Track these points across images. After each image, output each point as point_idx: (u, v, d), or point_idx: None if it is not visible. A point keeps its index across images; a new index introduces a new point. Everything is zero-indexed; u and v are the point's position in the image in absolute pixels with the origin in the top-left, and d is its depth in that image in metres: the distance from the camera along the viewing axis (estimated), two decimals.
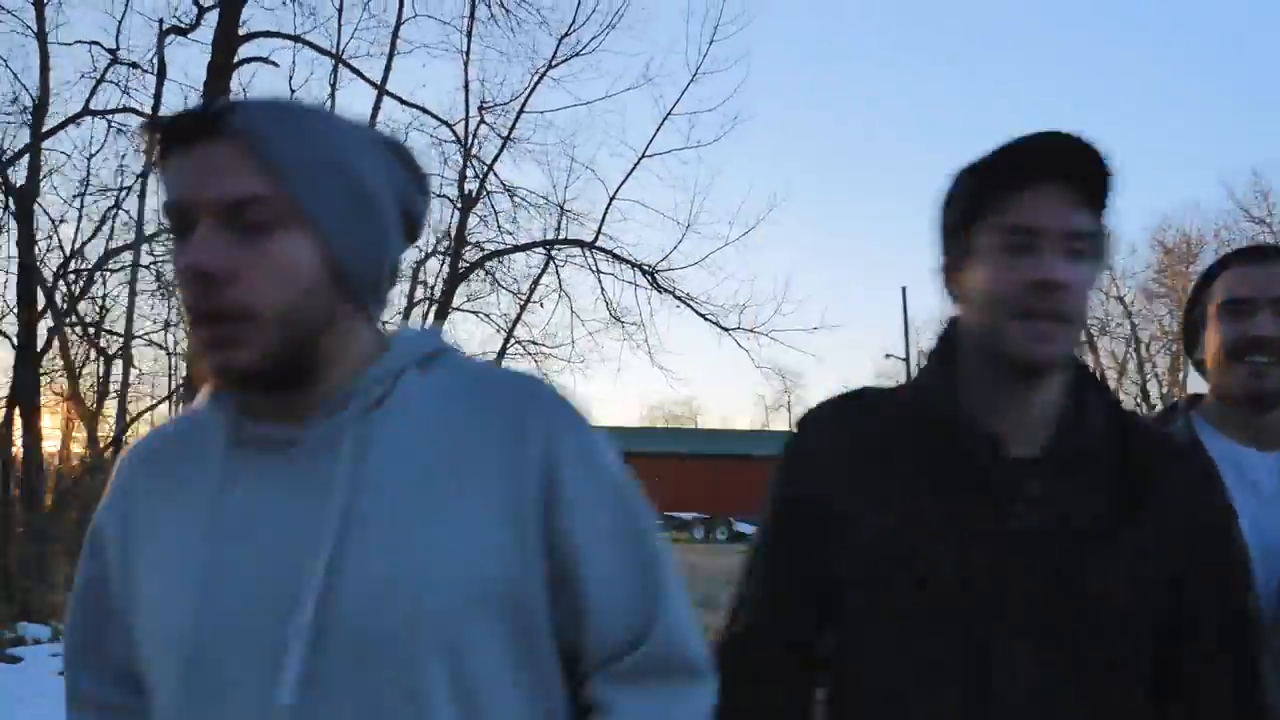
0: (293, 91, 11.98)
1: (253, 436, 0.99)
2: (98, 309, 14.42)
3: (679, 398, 57.17)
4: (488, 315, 14.32)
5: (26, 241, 11.73)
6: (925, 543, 1.17)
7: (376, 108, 12.53)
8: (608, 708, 1.01)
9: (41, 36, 12.84)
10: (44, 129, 12.08)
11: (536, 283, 13.94)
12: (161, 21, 11.47)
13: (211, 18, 11.56)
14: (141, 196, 11.66)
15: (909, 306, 31.87)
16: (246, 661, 0.93)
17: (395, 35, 12.58)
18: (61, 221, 13.44)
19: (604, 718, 1.01)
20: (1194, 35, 52.67)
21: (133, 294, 11.81)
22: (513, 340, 14.19)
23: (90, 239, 13.85)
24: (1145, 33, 53.82)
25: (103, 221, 13.68)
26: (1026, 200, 1.17)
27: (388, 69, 12.52)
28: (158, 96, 11.44)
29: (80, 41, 12.47)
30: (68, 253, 13.69)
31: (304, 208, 0.93)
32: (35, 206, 11.95)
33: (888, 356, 34.53)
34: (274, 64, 13.54)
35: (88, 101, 11.91)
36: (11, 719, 4.06)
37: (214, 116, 0.91)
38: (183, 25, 11.54)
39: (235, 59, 13.02)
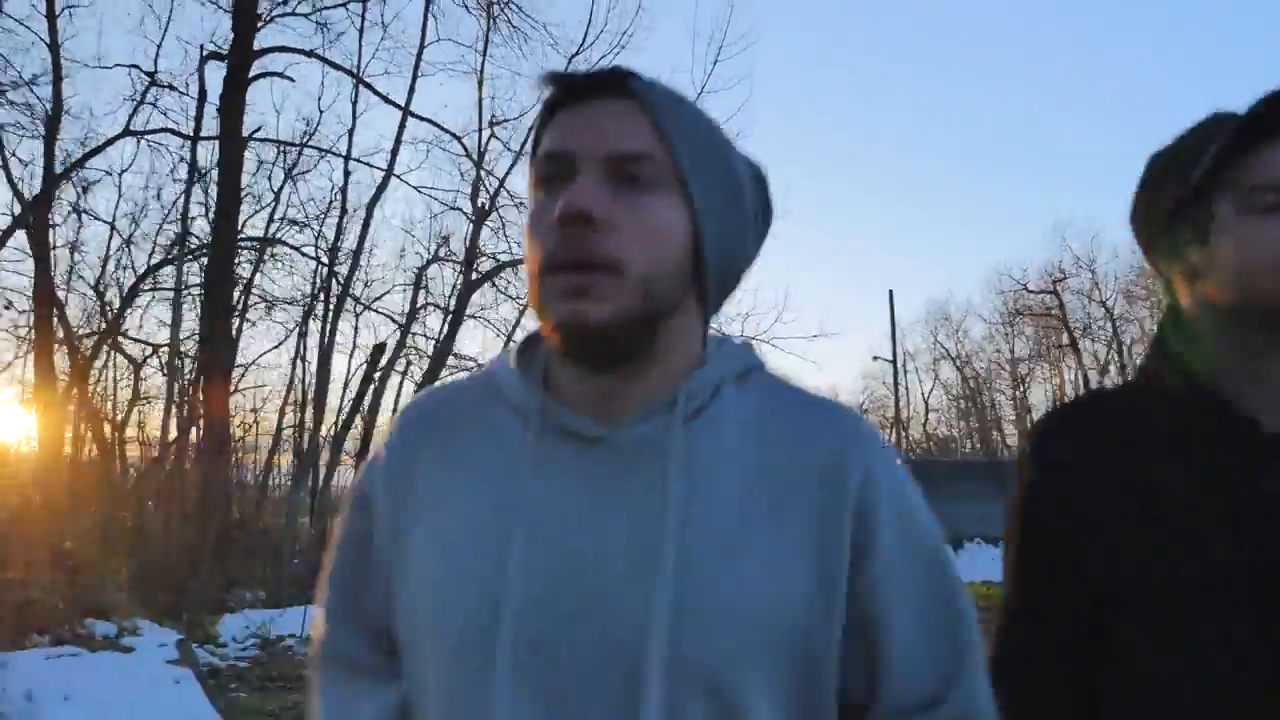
0: (320, 111, 12.42)
1: (561, 424, 0.95)
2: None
3: None
4: (490, 322, 14.87)
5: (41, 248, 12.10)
6: (1206, 538, 1.11)
7: (402, 127, 13.03)
8: None
9: (54, 47, 13.28)
10: (88, 150, 12.48)
11: None
12: (202, 48, 11.95)
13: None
14: (184, 217, 12.11)
15: (895, 309, 32.60)
16: (527, 659, 0.88)
17: (419, 59, 13.08)
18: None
19: None
20: (1190, 37, 53.51)
21: (178, 306, 12.26)
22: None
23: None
24: (1136, 34, 54.63)
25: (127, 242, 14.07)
26: (1271, 157, 1.12)
27: (411, 90, 13.04)
28: (199, 118, 11.94)
29: (119, 65, 12.92)
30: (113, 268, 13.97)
31: (686, 176, 0.92)
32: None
33: (875, 359, 35.27)
34: (289, 79, 14.08)
35: (128, 122, 12.36)
36: (142, 698, 4.58)
37: (616, 77, 0.93)
38: (221, 51, 12.02)
39: (250, 73, 13.57)
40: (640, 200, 0.90)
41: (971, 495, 15.51)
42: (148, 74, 12.22)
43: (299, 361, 17.14)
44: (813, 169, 53.96)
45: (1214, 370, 1.18)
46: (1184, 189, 1.18)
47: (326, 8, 12.76)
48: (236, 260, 12.61)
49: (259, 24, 13.52)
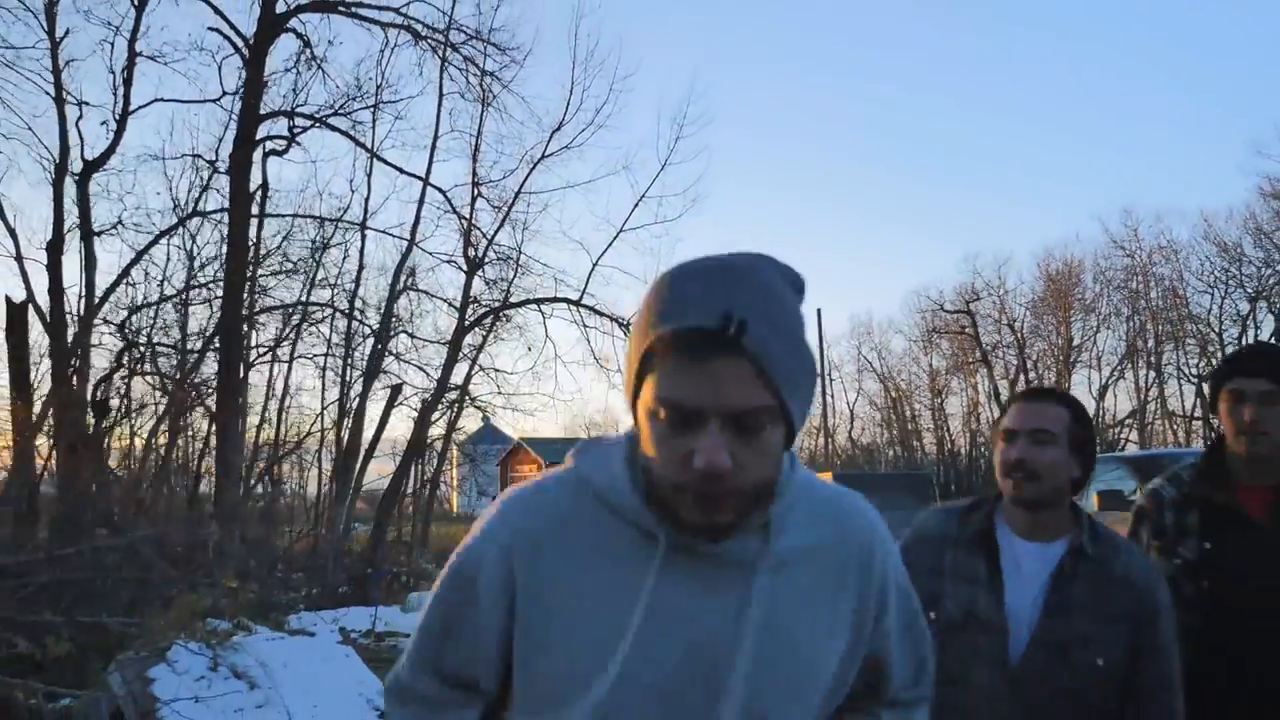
0: (352, 190, 14.11)
1: (682, 543, 1.15)
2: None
3: (598, 408, 60.76)
4: (481, 367, 16.95)
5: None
6: None
7: (423, 196, 15.10)
8: (874, 716, 1.34)
9: (60, 101, 14.80)
10: (159, 233, 14.01)
11: (497, 315, 16.34)
12: (264, 144, 13.82)
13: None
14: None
15: (823, 326, 35.13)
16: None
17: (434, 144, 15.17)
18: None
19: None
20: (1091, 82, 57.44)
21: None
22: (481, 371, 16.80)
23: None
24: (1033, 81, 58.43)
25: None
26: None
27: (429, 168, 15.17)
28: (262, 205, 13.81)
29: (186, 155, 14.49)
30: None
31: (791, 412, 1.08)
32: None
33: None
34: (297, 142, 15.79)
35: (196, 203, 14.00)
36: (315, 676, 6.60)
37: (734, 336, 1.02)
38: (279, 150, 13.93)
39: (257, 135, 15.37)
40: (755, 440, 1.06)
41: (893, 505, 17.93)
42: (209, 162, 14.00)
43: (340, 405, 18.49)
44: (751, 191, 56.97)
45: None
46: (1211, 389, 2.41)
47: (341, 114, 14.69)
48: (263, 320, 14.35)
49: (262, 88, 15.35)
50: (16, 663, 5.65)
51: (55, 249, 13.89)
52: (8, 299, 12.70)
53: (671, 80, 53.43)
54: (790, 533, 1.20)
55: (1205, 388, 4.01)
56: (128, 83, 12.91)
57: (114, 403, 8.51)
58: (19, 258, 13.43)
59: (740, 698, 1.15)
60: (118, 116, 12.93)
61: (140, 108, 13.81)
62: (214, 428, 13.09)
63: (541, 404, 16.52)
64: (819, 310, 36.00)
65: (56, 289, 13.67)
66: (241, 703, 5.98)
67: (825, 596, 1.22)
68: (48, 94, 13.28)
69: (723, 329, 1.03)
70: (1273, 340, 28.36)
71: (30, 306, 12.72)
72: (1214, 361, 36.30)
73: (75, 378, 10.73)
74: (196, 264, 15.62)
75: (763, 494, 1.12)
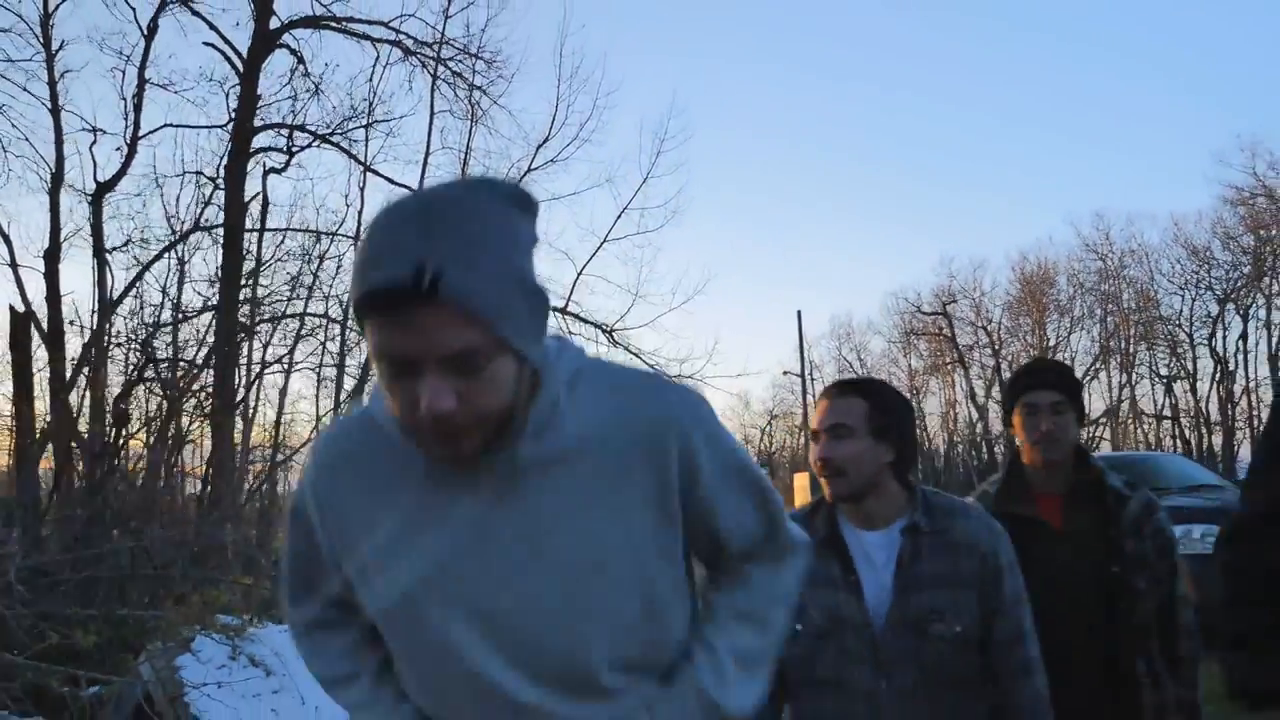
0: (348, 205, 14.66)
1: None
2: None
3: None
4: None
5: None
6: None
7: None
8: (742, 574, 1.41)
9: (55, 112, 15.20)
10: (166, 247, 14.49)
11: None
12: (264, 164, 14.36)
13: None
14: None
15: (803, 326, 35.83)
16: (455, 617, 1.24)
17: (426, 159, 15.72)
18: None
19: (740, 580, 1.41)
20: (1056, 89, 58.34)
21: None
22: None
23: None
24: (1005, 83, 59.30)
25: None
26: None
27: (421, 182, 15.66)
28: (262, 220, 14.32)
29: (188, 172, 14.86)
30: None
31: (509, 342, 1.11)
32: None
33: (785, 373, 38.42)
34: (287, 153, 16.28)
35: (198, 220, 14.48)
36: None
37: (429, 289, 1.04)
38: (278, 168, 14.46)
39: (251, 147, 15.84)
40: (479, 376, 1.10)
41: None
42: (210, 179, 14.49)
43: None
44: (731, 192, 57.60)
45: None
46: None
47: (335, 134, 15.22)
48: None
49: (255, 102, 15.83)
50: (50, 653, 6.15)
51: (52, 258, 14.31)
52: (11, 309, 13.15)
53: (654, 93, 54.89)
54: (561, 429, 1.23)
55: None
56: (138, 108, 13.40)
57: (132, 413, 9.02)
58: (14, 265, 13.92)
59: (515, 589, 1.23)
60: (128, 140, 13.43)
61: (150, 132, 14.35)
62: (213, 435, 13.56)
63: None
64: (799, 312, 36.78)
65: (54, 297, 14.10)
66: (259, 688, 6.50)
67: (606, 485, 1.25)
68: (44, 106, 13.73)
69: (417, 283, 1.04)
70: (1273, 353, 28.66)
71: (31, 316, 13.24)
72: (1184, 362, 37.17)
73: (91, 389, 11.21)
74: (202, 277, 16.09)
75: (504, 418, 1.17)
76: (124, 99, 13.41)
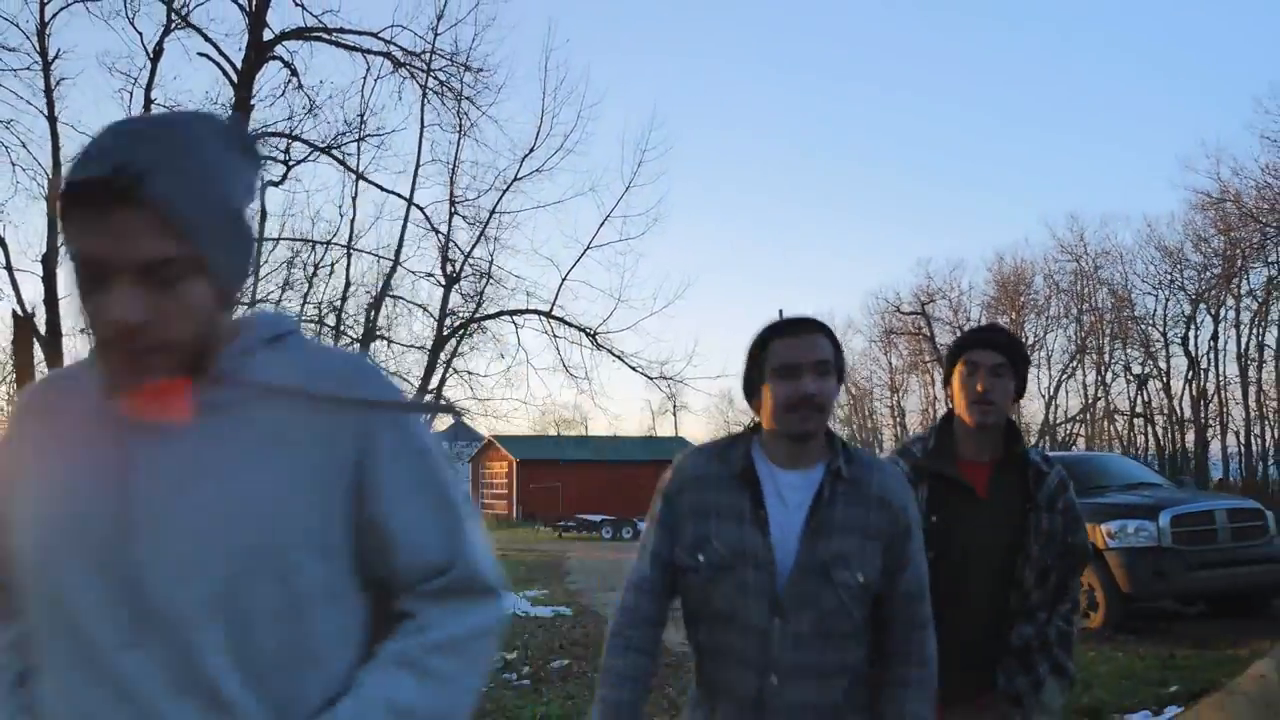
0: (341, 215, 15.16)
1: (120, 399, 1.13)
2: None
3: (565, 403, 62.40)
4: (455, 370, 18.07)
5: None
6: None
7: (407, 215, 16.21)
8: (414, 615, 1.22)
9: (52, 120, 15.63)
10: None
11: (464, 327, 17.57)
12: (262, 179, 14.94)
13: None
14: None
15: None
16: (86, 575, 1.12)
17: (416, 169, 16.27)
18: None
19: (411, 622, 1.22)
20: (1032, 95, 59.21)
21: None
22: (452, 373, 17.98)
23: None
24: (983, 91, 60.14)
25: None
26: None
27: (412, 190, 16.29)
28: (260, 230, 14.83)
29: None
30: None
31: (207, 262, 1.08)
32: None
33: None
34: (283, 152, 16.75)
35: None
36: None
37: (126, 185, 1.01)
38: (275, 181, 15.00)
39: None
40: (171, 293, 1.06)
41: None
42: None
43: None
44: (715, 193, 58.36)
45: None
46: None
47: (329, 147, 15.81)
48: None
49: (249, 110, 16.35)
50: None
51: (50, 262, 14.79)
52: (14, 313, 13.62)
53: (637, 102, 56.26)
54: (244, 382, 1.18)
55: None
56: None
57: None
58: (9, 267, 14.18)
59: (145, 539, 1.12)
60: None
61: None
62: None
63: (513, 408, 17.96)
64: (780, 311, 37.05)
65: (51, 300, 14.57)
66: None
67: (270, 451, 1.17)
68: (41, 113, 14.17)
69: (115, 179, 1.02)
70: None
71: (32, 321, 13.71)
72: (1158, 361, 37.98)
73: None
74: None
75: (194, 349, 1.13)
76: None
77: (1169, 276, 37.88)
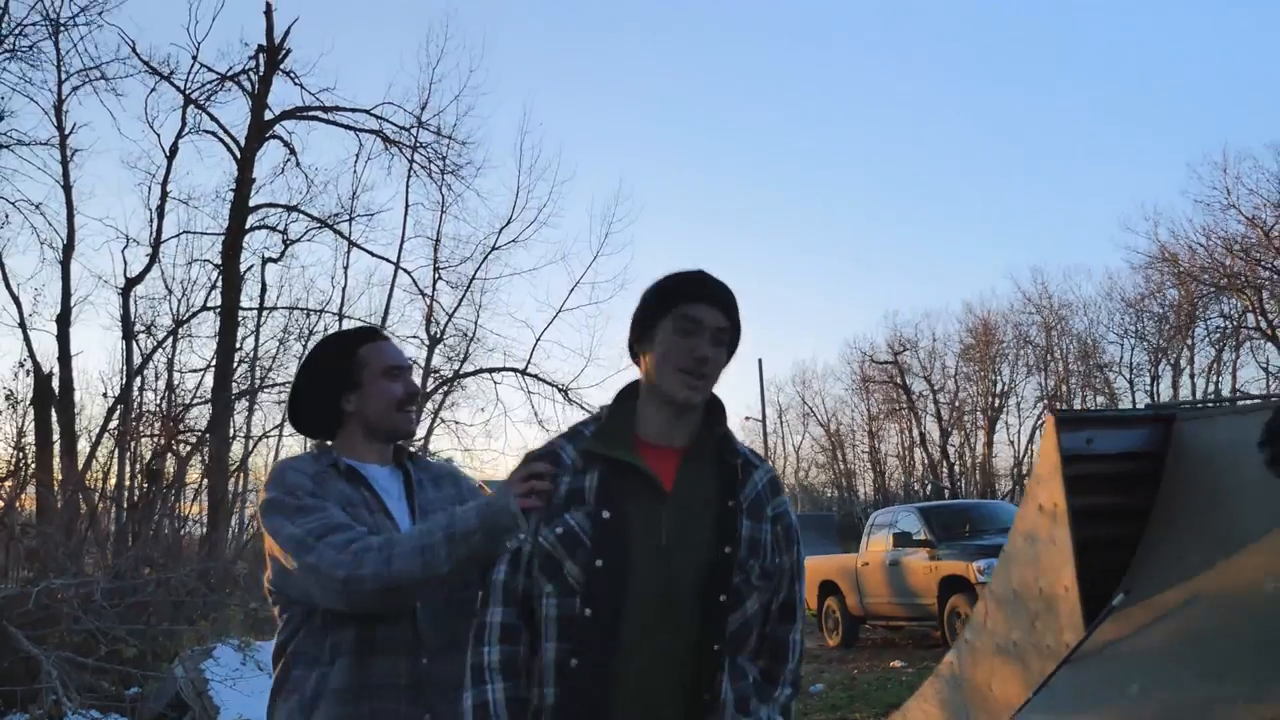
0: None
1: None
2: None
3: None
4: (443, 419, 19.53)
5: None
6: None
7: (394, 280, 17.78)
8: None
9: (67, 189, 17.06)
10: (181, 318, 16.88)
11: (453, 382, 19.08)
12: (263, 255, 16.68)
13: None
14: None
15: (764, 373, 37.93)
16: None
17: (402, 239, 17.87)
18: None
19: None
20: (996, 147, 61.55)
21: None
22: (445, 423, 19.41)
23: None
24: (949, 144, 62.47)
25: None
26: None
27: (399, 256, 17.91)
28: (260, 303, 16.48)
29: (199, 262, 17.45)
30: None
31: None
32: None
33: (747, 419, 40.41)
34: (280, 231, 18.34)
35: (206, 299, 16.95)
36: None
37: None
38: (274, 257, 16.78)
39: (246, 226, 17.93)
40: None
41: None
42: (216, 265, 16.77)
43: None
44: (689, 240, 60.37)
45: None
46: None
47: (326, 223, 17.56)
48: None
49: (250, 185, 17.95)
50: (107, 659, 8.08)
51: (63, 321, 16.21)
52: (36, 369, 15.06)
53: (608, 159, 59.22)
54: None
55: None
56: (160, 215, 16.25)
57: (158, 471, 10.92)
58: (23, 325, 15.60)
59: None
60: (152, 243, 16.20)
61: (171, 238, 17.12)
62: (209, 491, 15.60)
63: (491, 459, 19.75)
64: (760, 360, 38.77)
65: (65, 358, 15.92)
66: (265, 686, 8.44)
67: None
68: (58, 182, 15.70)
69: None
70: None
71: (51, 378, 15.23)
72: (1121, 406, 39.45)
73: (120, 450, 13.34)
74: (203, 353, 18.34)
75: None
76: (149, 209, 16.25)
77: (1134, 327, 39.44)
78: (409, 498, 2.16)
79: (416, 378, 2.26)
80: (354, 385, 2.13)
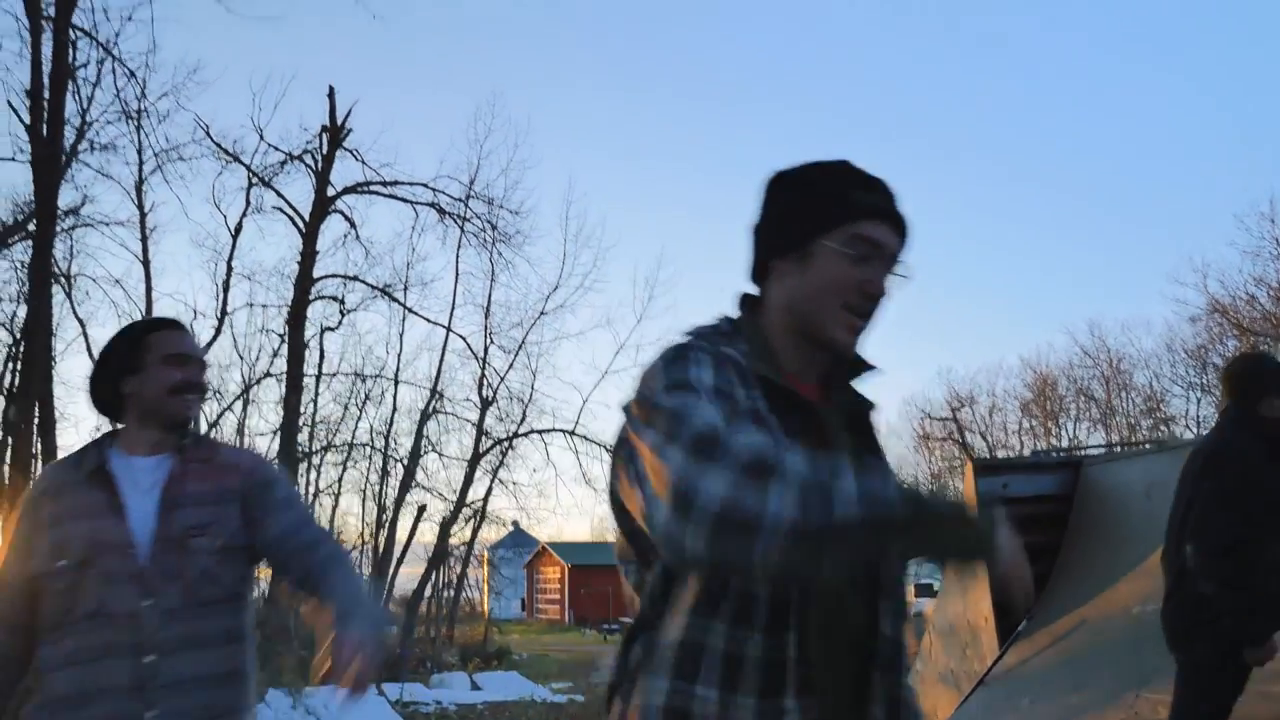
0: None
1: None
2: None
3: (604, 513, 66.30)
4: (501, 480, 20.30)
5: None
6: None
7: (445, 344, 18.72)
8: None
9: (146, 264, 18.10)
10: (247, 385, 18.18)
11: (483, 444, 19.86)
12: (322, 325, 17.87)
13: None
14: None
15: None
16: None
17: (453, 306, 18.85)
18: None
19: None
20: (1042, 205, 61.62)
21: None
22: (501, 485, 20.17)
23: None
24: (995, 200, 62.60)
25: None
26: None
27: (450, 320, 18.90)
28: (319, 369, 17.56)
29: (262, 331, 18.86)
30: None
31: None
32: None
33: None
34: (339, 301, 19.49)
35: (270, 365, 18.42)
36: None
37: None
38: (332, 326, 17.93)
39: (310, 295, 19.05)
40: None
41: None
42: (280, 335, 17.97)
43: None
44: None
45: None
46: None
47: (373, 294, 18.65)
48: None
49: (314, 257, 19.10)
50: None
51: None
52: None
53: (646, 229, 61.59)
54: None
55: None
56: (225, 290, 17.80)
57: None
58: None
59: None
60: (219, 316, 17.86)
61: (236, 310, 18.69)
62: None
63: (542, 518, 20.49)
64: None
65: None
66: None
67: None
68: (137, 258, 16.78)
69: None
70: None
71: None
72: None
73: None
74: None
75: None
76: (215, 284, 17.82)
77: (1199, 379, 38.85)
78: (165, 488, 2.10)
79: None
80: (136, 369, 2.15)
